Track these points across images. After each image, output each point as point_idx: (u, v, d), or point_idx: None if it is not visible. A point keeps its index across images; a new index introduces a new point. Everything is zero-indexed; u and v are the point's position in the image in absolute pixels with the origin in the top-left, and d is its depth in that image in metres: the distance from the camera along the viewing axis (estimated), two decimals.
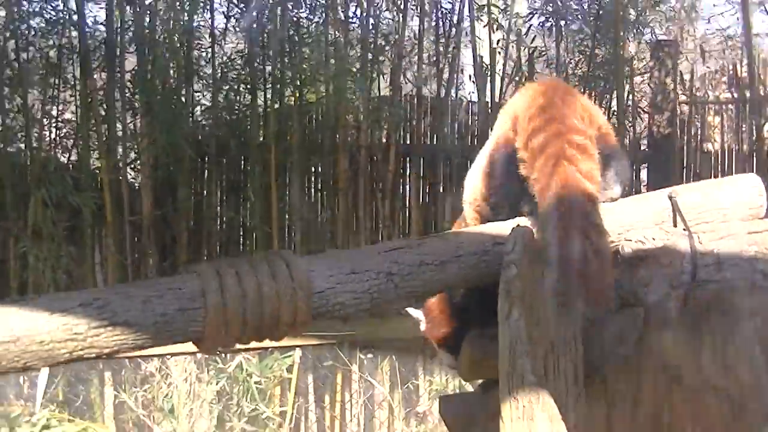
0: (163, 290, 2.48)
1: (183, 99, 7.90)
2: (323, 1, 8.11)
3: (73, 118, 8.00)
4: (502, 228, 2.84)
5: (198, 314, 2.48)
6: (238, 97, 8.08)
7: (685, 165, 8.99)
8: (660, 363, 2.92)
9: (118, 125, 7.77)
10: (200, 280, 2.51)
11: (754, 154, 8.76)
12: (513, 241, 2.68)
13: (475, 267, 2.77)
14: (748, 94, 8.83)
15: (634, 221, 2.93)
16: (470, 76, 8.59)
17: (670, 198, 2.94)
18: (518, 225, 2.74)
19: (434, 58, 8.51)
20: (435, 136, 8.46)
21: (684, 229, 2.86)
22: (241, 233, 8.08)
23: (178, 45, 7.84)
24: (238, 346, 2.61)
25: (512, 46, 8.59)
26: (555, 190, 2.73)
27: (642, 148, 8.91)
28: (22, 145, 7.65)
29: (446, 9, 8.55)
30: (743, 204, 3.02)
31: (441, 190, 8.33)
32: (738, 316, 2.93)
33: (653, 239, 2.84)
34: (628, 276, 2.85)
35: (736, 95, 9.03)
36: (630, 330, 2.84)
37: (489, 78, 8.40)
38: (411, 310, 3.58)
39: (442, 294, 3.38)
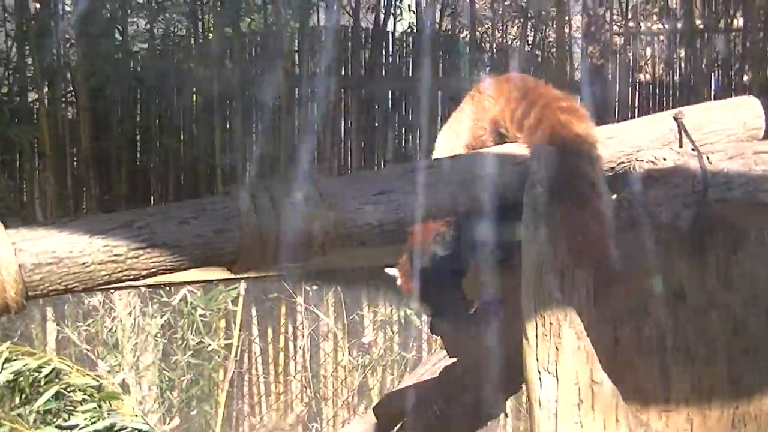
0: (198, 211, 2.47)
1: (119, 28, 7.75)
2: None
3: (3, 49, 7.80)
4: (520, 150, 2.88)
5: (233, 235, 2.48)
6: (175, 27, 7.96)
7: (618, 96, 9.10)
8: (665, 283, 3.01)
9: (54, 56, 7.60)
10: (235, 201, 2.51)
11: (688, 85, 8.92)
12: (537, 160, 2.72)
13: (495, 187, 2.81)
14: (679, 26, 8.97)
15: (642, 143, 2.99)
16: (409, 6, 8.57)
17: (676, 119, 3.00)
18: (541, 145, 2.78)
19: None
20: (374, 68, 8.43)
21: (692, 149, 2.92)
22: (182, 164, 7.98)
23: None
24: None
25: None
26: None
27: (576, 79, 9.01)
28: None
29: None
30: (743, 125, 3.09)
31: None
32: (741, 233, 3.04)
33: (664, 159, 2.89)
34: (640, 196, 2.90)
35: (668, 26, 9.15)
36: (641, 249, 2.90)
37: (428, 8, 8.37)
38: (388, 269, 3.68)
39: (408, 252, 3.45)
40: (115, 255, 2.36)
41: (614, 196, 2.96)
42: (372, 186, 2.66)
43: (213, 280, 7.48)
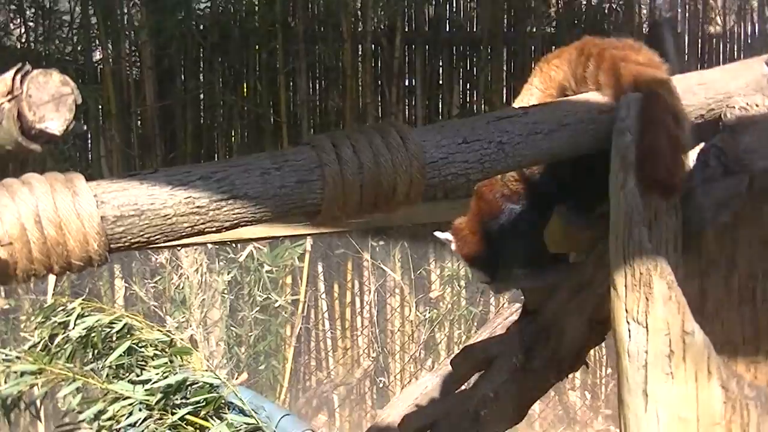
0: (280, 162, 2.41)
1: None
2: None
3: (65, 9, 7.79)
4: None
5: (316, 186, 2.42)
6: None
7: (687, 48, 8.90)
8: (756, 232, 2.90)
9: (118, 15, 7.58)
10: (316, 151, 2.44)
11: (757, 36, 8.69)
12: (626, 107, 2.63)
13: (582, 135, 2.73)
14: None
15: (732, 89, 2.88)
16: None
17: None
18: (630, 92, 2.69)
19: None
20: (438, 22, 8.30)
21: None
22: (246, 122, 7.94)
23: None
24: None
25: None
26: (626, 87, 2.75)
27: (644, 31, 8.82)
28: (16, 38, 7.47)
29: None
30: None
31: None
32: None
33: (756, 105, 2.79)
34: (732, 143, 2.80)
35: None
36: (733, 197, 2.80)
37: None
38: (438, 233, 3.68)
39: (471, 215, 3.55)
40: (197, 207, 2.30)
41: (703, 144, 2.87)
42: (456, 134, 2.58)
43: (279, 237, 7.47)
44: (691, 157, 2.91)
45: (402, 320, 7.85)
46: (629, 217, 2.57)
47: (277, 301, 7.62)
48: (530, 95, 3.23)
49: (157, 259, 7.54)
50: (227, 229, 2.37)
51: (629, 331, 2.61)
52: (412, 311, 7.81)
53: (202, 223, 2.32)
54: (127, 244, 2.27)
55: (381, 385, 7.90)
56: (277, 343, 7.79)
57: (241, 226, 2.38)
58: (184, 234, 2.33)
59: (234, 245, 7.54)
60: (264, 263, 7.55)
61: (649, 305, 2.57)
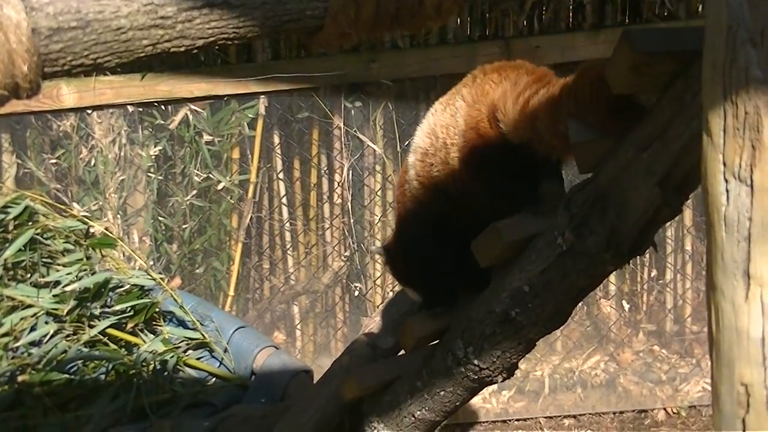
0: None
1: None
2: None
3: None
4: None
5: None
6: None
7: None
8: None
9: None
10: None
11: None
12: None
13: None
14: None
15: None
16: None
17: None
18: None
19: None
20: None
21: None
22: None
23: None
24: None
25: None
26: None
27: None
28: None
29: None
30: None
31: None
32: None
33: None
34: None
35: None
36: None
37: None
38: (374, 247, 4.31)
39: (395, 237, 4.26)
40: (161, 18, 2.26)
41: None
42: None
43: (223, 96, 7.40)
44: None
45: (384, 207, 7.81)
46: (732, 34, 2.52)
47: (220, 182, 7.57)
48: (455, 102, 3.73)
49: (59, 126, 7.45)
50: (200, 49, 2.34)
51: (727, 191, 2.58)
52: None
53: (167, 40, 2.29)
54: (66, 66, 2.23)
55: (356, 293, 7.89)
56: (219, 239, 7.76)
57: (219, 43, 2.35)
58: (142, 54, 2.29)
59: (163, 107, 7.46)
60: (203, 132, 7.46)
61: (757, 156, 2.54)
